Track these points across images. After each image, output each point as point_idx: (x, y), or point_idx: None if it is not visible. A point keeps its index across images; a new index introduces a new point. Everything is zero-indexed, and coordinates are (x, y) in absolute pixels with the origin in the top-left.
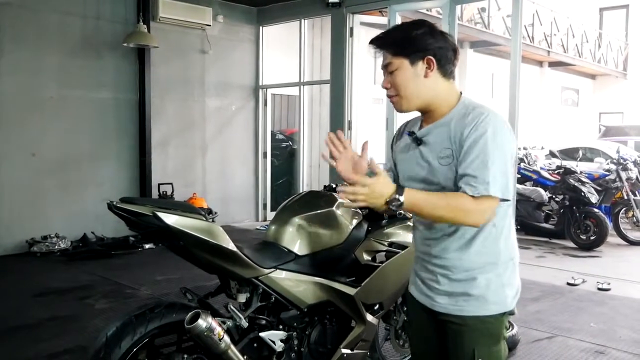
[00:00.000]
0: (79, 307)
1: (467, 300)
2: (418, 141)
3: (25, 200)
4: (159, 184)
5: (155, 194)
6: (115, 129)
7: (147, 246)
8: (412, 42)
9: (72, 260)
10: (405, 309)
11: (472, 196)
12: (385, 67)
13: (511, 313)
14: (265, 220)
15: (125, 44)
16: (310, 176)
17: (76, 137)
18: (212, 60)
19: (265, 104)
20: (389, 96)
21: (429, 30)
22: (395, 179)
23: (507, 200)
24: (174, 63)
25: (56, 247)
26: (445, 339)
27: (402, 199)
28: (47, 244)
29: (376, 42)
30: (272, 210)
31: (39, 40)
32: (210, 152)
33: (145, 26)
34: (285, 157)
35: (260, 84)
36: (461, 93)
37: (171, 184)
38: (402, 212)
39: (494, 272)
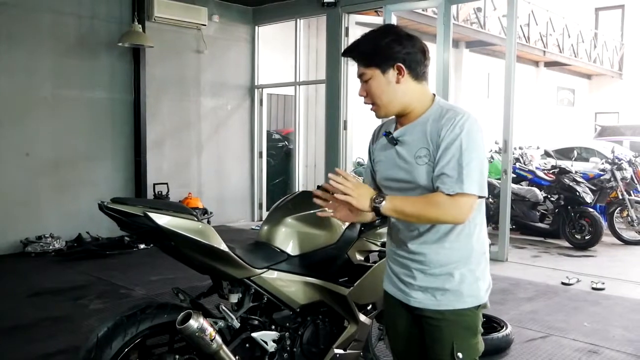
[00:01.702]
0: (73, 308)
1: (444, 294)
2: (394, 141)
3: (20, 200)
4: (154, 184)
5: (150, 194)
6: (110, 129)
7: (142, 246)
8: (381, 51)
9: (67, 260)
10: None
11: (448, 194)
12: (359, 76)
13: (484, 306)
14: (261, 220)
15: (120, 44)
16: (306, 176)
17: (71, 137)
18: (208, 60)
19: (261, 104)
20: (365, 104)
21: (396, 37)
22: (372, 181)
23: (484, 197)
24: (169, 63)
25: (51, 247)
26: (423, 333)
27: (384, 196)
28: (41, 244)
29: (348, 53)
30: (267, 210)
31: (33, 39)
32: (206, 152)
33: (140, 26)
34: (281, 157)
35: (255, 83)
36: (434, 95)
37: (166, 184)
38: (383, 214)
39: (468, 266)
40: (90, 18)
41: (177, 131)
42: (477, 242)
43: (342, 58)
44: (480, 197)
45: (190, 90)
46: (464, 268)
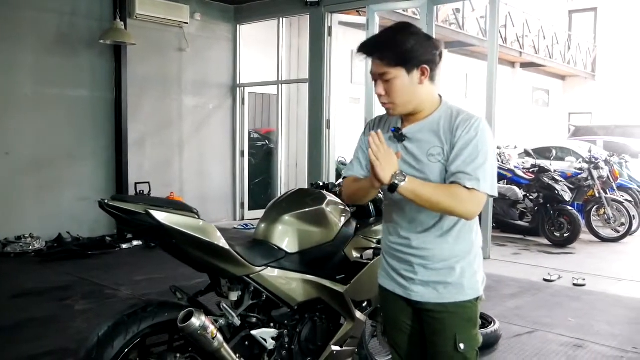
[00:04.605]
0: (58, 309)
1: (446, 287)
2: (403, 138)
3: None
4: (136, 183)
5: (132, 193)
6: (92, 128)
7: (124, 246)
8: (409, 52)
9: (48, 260)
10: None
11: (466, 188)
12: (380, 75)
13: (481, 299)
14: (242, 219)
15: (101, 41)
16: (288, 175)
17: (51, 135)
18: (190, 58)
19: (243, 103)
20: (382, 102)
21: (420, 39)
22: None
23: (494, 196)
24: (151, 61)
25: (30, 247)
26: (423, 327)
27: (406, 176)
28: (21, 244)
29: (369, 50)
30: (249, 209)
31: (12, 36)
32: (188, 151)
33: (122, 23)
34: (262, 156)
35: (237, 82)
36: (440, 96)
37: (148, 183)
38: (399, 193)
39: (467, 260)
40: (70, 15)
41: (159, 130)
42: (476, 237)
43: (325, 57)
44: (491, 196)
45: (172, 89)
46: (464, 262)
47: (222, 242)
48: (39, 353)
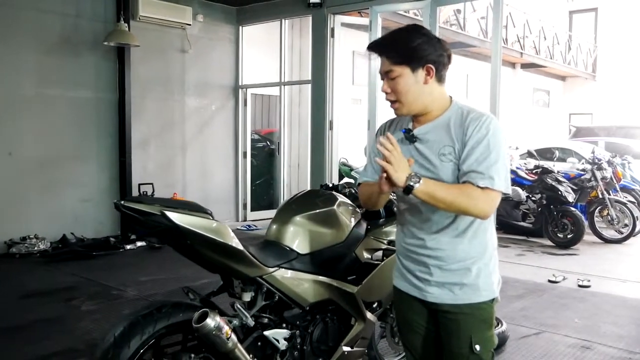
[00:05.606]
0: (64, 309)
1: (461, 289)
2: (414, 139)
3: (3, 200)
4: (140, 184)
5: (135, 194)
6: (95, 129)
7: (128, 247)
8: (414, 51)
9: (53, 261)
10: None
11: (479, 187)
12: (385, 73)
13: (497, 300)
14: (245, 220)
15: (106, 43)
16: (290, 176)
17: (55, 136)
18: (192, 59)
19: (245, 104)
20: (388, 100)
21: (427, 39)
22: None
23: (508, 194)
24: (154, 62)
25: (35, 248)
26: (438, 328)
27: (421, 177)
28: (26, 245)
29: (377, 48)
30: (252, 210)
31: (16, 37)
32: (190, 152)
33: (126, 25)
34: (263, 157)
35: (240, 83)
36: (451, 97)
37: (152, 184)
38: (414, 195)
39: (482, 261)
40: (74, 17)
41: (162, 131)
42: (490, 237)
43: (327, 58)
44: (504, 194)
45: (175, 90)
46: (480, 262)
47: (236, 243)
48: (47, 354)
